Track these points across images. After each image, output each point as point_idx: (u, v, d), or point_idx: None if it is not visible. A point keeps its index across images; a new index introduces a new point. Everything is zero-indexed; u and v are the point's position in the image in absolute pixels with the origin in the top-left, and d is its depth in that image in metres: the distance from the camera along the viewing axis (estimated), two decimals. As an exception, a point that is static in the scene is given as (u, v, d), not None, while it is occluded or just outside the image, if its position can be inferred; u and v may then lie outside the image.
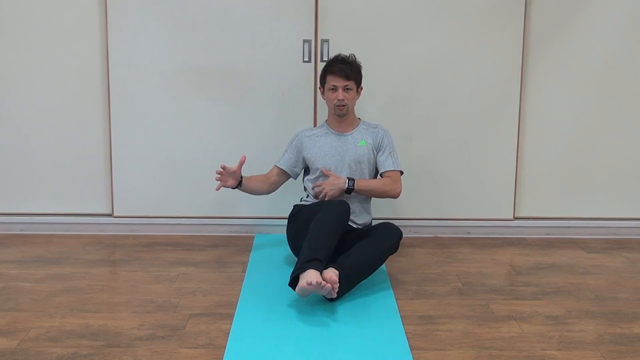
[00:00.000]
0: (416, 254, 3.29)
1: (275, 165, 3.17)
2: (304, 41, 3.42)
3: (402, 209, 3.60)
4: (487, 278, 2.95)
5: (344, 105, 3.03)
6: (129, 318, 2.46)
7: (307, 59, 3.42)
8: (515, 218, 3.64)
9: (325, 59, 3.40)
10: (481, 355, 2.19)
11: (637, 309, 2.62)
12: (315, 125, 3.45)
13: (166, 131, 3.51)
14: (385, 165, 3.11)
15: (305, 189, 3.18)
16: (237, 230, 3.58)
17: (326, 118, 3.21)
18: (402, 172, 3.14)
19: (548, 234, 3.64)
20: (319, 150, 3.09)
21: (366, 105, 3.47)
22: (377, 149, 3.13)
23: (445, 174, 3.58)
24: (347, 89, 3.02)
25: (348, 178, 2.99)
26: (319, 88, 3.14)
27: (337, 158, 3.07)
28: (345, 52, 3.25)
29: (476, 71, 3.48)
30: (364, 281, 2.77)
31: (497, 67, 3.48)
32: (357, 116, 3.20)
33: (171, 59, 3.44)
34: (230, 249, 3.33)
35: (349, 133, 3.12)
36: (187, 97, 3.48)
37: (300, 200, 3.17)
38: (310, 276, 2.41)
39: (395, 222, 3.56)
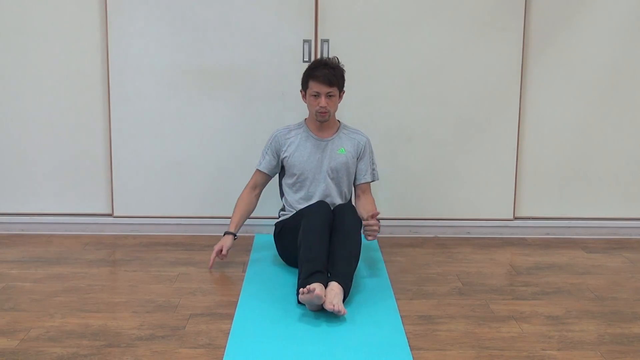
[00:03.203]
0: (416, 254, 3.29)
1: (258, 170, 3.12)
2: (304, 41, 3.42)
3: (402, 209, 3.60)
4: (487, 278, 2.95)
5: (326, 112, 2.96)
6: (129, 318, 2.46)
7: (307, 59, 3.42)
8: (515, 218, 3.64)
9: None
10: (481, 355, 2.19)
11: (637, 309, 2.62)
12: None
13: (166, 131, 3.51)
14: (366, 176, 3.10)
15: (282, 193, 3.15)
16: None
17: (305, 117, 3.14)
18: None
19: (548, 234, 3.64)
20: (298, 155, 3.03)
21: (366, 105, 3.47)
22: (358, 157, 3.08)
23: (445, 174, 3.58)
24: (330, 95, 2.94)
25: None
26: (300, 91, 3.05)
27: (316, 164, 3.02)
28: (345, 52, 3.26)
29: (476, 71, 3.48)
30: (363, 281, 2.82)
31: (497, 67, 3.48)
32: (337, 119, 3.12)
33: (171, 59, 3.44)
34: (230, 249, 3.33)
35: (329, 138, 3.05)
36: (187, 97, 3.48)
37: (279, 216, 3.14)
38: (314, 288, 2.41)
39: (395, 222, 3.60)
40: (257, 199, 3.15)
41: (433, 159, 3.56)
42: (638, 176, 3.63)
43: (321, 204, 2.84)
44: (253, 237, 3.51)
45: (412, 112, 3.52)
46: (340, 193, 3.06)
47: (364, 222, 2.83)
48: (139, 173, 3.53)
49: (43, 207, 3.59)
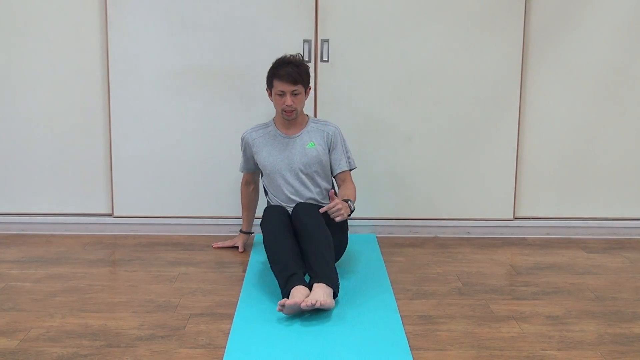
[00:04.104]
0: (416, 254, 3.29)
1: (243, 172, 3.25)
2: (304, 41, 3.42)
3: (403, 209, 3.59)
4: (487, 278, 2.95)
5: (292, 111, 2.95)
6: (129, 318, 2.46)
7: (307, 59, 3.42)
8: (515, 218, 3.64)
9: (325, 59, 3.40)
10: (481, 355, 2.19)
11: (637, 309, 2.62)
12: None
13: (166, 131, 3.51)
14: (341, 165, 3.05)
15: (266, 192, 3.17)
16: (237, 231, 3.57)
17: (274, 116, 3.14)
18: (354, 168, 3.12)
19: (548, 234, 3.64)
20: (267, 155, 3.04)
21: (366, 104, 3.47)
22: (330, 148, 3.06)
23: (445, 174, 3.58)
24: (295, 93, 2.92)
25: (346, 200, 2.83)
26: (266, 90, 3.05)
27: (286, 163, 3.01)
28: (345, 52, 3.26)
29: (476, 71, 3.48)
30: (363, 281, 2.82)
31: (497, 67, 3.48)
32: (306, 113, 3.12)
33: (171, 59, 3.44)
34: (230, 249, 3.33)
35: (296, 135, 3.04)
36: (187, 97, 3.48)
37: None
38: (295, 295, 2.43)
39: (395, 222, 3.60)
40: (257, 191, 3.31)
41: (433, 159, 3.56)
42: (638, 176, 3.63)
43: (272, 209, 2.90)
44: (253, 237, 3.51)
45: (412, 112, 3.52)
46: (317, 187, 3.04)
47: (323, 209, 2.73)
48: (139, 173, 3.53)
49: (43, 207, 3.59)
